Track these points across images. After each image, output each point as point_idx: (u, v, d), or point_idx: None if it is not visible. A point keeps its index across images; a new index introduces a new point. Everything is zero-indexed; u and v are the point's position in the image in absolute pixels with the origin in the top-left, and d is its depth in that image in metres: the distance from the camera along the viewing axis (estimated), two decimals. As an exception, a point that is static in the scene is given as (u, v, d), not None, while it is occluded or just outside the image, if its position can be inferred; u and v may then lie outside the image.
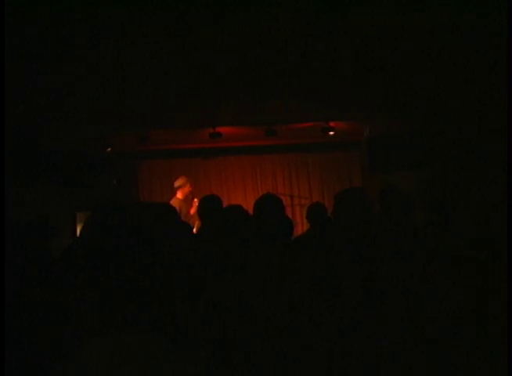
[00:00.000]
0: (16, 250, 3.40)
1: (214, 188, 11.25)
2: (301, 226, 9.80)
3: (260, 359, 3.02)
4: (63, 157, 8.18)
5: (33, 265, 3.20)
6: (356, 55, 5.95)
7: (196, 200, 8.28)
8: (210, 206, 4.97)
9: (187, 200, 8.75)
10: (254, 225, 4.07)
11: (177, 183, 8.89)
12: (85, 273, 1.42)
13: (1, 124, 4.39)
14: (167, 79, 6.58)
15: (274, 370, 3.01)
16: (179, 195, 8.76)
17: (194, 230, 6.32)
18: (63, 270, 3.13)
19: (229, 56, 5.92)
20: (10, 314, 2.82)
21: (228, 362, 2.96)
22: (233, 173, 11.73)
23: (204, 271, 3.51)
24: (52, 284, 3.16)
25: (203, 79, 6.63)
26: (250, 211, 4.24)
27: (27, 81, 5.90)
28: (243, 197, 11.15)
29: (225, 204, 5.05)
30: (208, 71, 6.35)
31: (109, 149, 9.53)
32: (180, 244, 1.66)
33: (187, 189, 8.81)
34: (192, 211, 8.43)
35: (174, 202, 8.36)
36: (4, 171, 3.54)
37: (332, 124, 9.44)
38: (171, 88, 6.92)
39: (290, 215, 10.36)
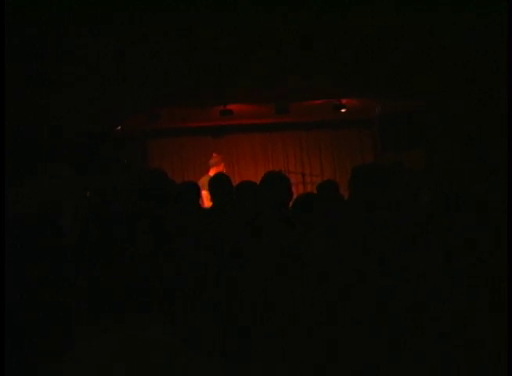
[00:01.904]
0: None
1: (225, 166, 11.18)
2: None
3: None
4: (75, 137, 8.15)
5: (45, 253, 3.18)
6: (367, 32, 5.88)
7: None
8: (219, 185, 4.93)
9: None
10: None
11: (211, 161, 8.81)
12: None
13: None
14: (178, 56, 6.52)
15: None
16: (211, 173, 8.62)
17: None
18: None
19: (241, 33, 5.85)
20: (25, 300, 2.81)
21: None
22: (244, 151, 11.65)
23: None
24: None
25: (214, 56, 6.56)
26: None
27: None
28: (254, 176, 11.08)
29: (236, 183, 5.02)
30: (219, 48, 6.28)
31: (119, 127, 9.48)
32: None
33: (220, 168, 8.72)
34: None
35: (203, 180, 8.28)
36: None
37: (343, 101, 9.37)
38: (181, 66, 6.86)
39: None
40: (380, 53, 6.69)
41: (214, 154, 8.92)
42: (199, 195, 5.27)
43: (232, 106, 9.16)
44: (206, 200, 7.98)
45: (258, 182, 4.49)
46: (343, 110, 9.44)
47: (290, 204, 4.13)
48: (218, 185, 4.86)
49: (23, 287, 2.76)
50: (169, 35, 5.77)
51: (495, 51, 4.93)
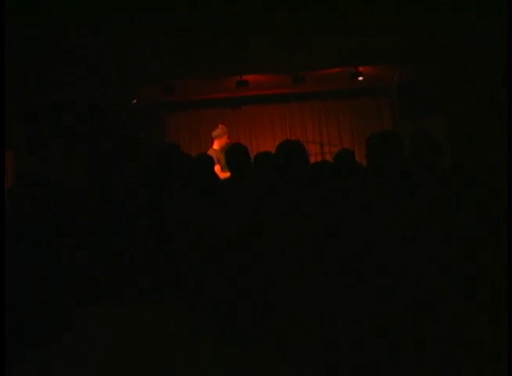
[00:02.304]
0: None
1: (243, 138, 11.13)
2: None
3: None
4: (90, 110, 8.11)
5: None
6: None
7: None
8: (237, 156, 4.87)
9: (224, 150, 8.61)
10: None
11: (215, 133, 8.69)
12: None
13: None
14: (191, 27, 6.45)
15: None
16: (216, 145, 8.54)
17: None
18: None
19: (253, 2, 5.77)
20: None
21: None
22: (262, 122, 11.57)
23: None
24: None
25: (228, 26, 6.49)
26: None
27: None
28: (273, 147, 11.00)
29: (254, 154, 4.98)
30: (233, 18, 6.20)
31: (134, 101, 9.43)
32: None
33: (224, 139, 8.61)
34: None
35: (212, 153, 8.23)
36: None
37: (361, 69, 9.25)
38: (195, 36, 6.79)
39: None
40: (397, 19, 6.56)
41: (220, 125, 8.80)
42: (213, 167, 5.24)
43: (247, 77, 9.08)
44: (218, 173, 7.96)
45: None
46: (360, 78, 9.32)
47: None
48: (236, 155, 4.82)
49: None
50: (181, 5, 5.70)
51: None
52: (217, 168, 7.99)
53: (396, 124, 10.65)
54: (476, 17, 4.51)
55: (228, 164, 4.95)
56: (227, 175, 8.05)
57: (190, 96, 10.28)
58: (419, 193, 3.33)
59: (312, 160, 8.45)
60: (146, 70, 7.91)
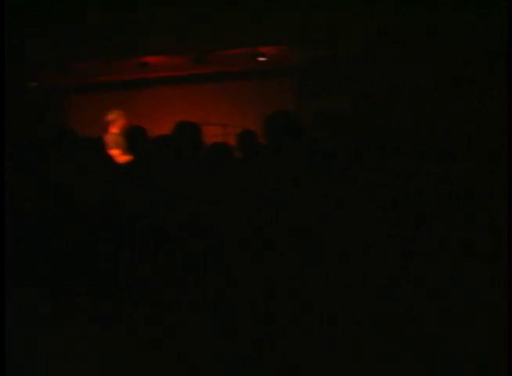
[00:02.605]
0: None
1: (145, 120, 10.94)
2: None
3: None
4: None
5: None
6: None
7: None
8: (134, 138, 4.82)
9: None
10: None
11: (110, 117, 8.48)
12: None
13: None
14: (88, 8, 6.27)
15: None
16: (114, 129, 8.36)
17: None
18: None
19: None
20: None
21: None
22: (164, 104, 11.43)
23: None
24: None
25: (127, 5, 6.35)
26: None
27: None
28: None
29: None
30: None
31: (34, 84, 9.10)
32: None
33: (122, 122, 8.42)
34: None
35: (109, 137, 8.04)
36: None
37: (262, 49, 9.28)
38: (93, 18, 6.61)
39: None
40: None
41: (112, 111, 8.62)
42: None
43: (148, 59, 8.94)
44: (118, 158, 7.82)
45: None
46: (262, 59, 9.36)
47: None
48: (136, 138, 4.75)
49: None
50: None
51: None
52: (115, 152, 7.84)
53: (298, 104, 10.78)
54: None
55: (130, 148, 4.89)
56: (127, 158, 7.94)
57: (90, 78, 10.02)
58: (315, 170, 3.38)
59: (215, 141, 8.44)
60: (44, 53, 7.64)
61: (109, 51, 8.16)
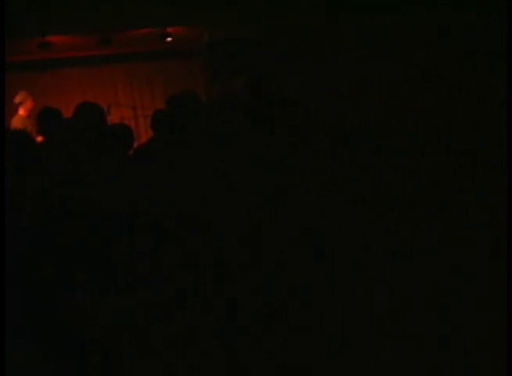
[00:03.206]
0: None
1: (51, 102, 10.63)
2: (145, 138, 9.59)
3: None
4: None
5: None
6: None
7: None
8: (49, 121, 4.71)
9: (32, 117, 8.15)
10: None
11: (17, 99, 8.19)
12: None
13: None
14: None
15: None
16: (22, 112, 8.09)
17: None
18: None
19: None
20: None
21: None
22: (70, 86, 11.12)
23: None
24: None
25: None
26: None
27: None
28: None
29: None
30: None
31: None
32: None
33: (29, 104, 8.15)
34: None
35: (17, 121, 7.78)
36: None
37: (169, 29, 9.17)
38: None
39: (133, 127, 10.17)
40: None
41: (21, 91, 8.36)
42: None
43: (51, 38, 8.66)
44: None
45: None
46: (168, 39, 9.26)
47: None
48: (49, 119, 4.66)
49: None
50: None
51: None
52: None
53: (207, 85, 10.74)
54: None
55: (41, 130, 4.77)
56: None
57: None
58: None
59: (126, 123, 8.30)
60: None
61: (6, 28, 7.84)
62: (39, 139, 7.38)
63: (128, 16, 8.03)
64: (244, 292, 3.01)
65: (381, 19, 5.36)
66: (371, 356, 3.04)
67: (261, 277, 3.02)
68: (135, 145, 4.61)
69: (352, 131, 3.71)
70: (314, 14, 6.71)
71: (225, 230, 3.07)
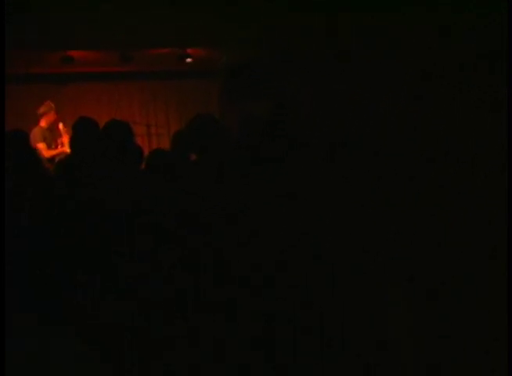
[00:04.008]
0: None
1: (69, 116, 10.77)
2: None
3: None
4: None
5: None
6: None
7: (61, 125, 7.95)
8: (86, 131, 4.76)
9: (52, 128, 8.28)
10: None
11: (41, 110, 8.32)
12: None
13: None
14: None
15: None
16: (43, 123, 8.21)
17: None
18: None
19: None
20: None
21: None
22: (88, 101, 11.27)
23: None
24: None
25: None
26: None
27: None
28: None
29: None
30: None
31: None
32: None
33: (52, 116, 8.29)
34: (65, 139, 7.96)
35: (37, 131, 7.90)
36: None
37: (189, 50, 9.31)
38: (17, 5, 6.47)
39: (147, 144, 10.28)
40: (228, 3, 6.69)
41: (46, 102, 8.50)
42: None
43: (73, 53, 8.81)
44: (44, 152, 7.70)
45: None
46: (188, 60, 9.39)
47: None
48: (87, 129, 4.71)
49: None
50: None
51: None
52: (41, 146, 7.73)
53: (223, 107, 10.85)
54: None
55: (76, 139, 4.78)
56: (53, 153, 7.83)
57: (12, 70, 9.77)
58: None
59: (139, 141, 8.41)
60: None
61: (34, 41, 8.00)
62: (51, 152, 7.56)
63: (150, 35, 8.17)
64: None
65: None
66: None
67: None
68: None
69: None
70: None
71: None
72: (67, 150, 6.98)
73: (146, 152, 4.58)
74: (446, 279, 3.14)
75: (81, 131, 4.69)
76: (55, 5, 6.51)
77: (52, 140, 8.09)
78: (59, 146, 8.00)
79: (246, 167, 3.61)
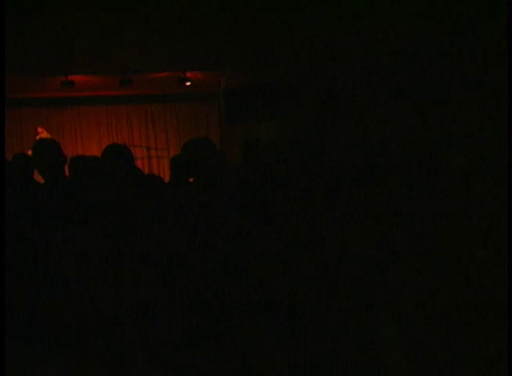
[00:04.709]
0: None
1: (68, 140, 10.88)
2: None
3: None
4: None
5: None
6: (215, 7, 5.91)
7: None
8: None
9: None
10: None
11: (38, 137, 8.45)
12: None
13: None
14: (15, 21, 6.20)
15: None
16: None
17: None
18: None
19: (82, 2, 5.68)
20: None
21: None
22: (88, 124, 11.36)
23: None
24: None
25: (55, 23, 6.31)
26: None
27: None
28: (99, 149, 10.83)
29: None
30: (60, 16, 6.05)
31: None
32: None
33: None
34: None
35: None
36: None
37: (189, 74, 9.37)
38: (18, 31, 6.53)
39: (146, 167, 10.32)
40: (227, 27, 6.74)
41: (39, 129, 8.61)
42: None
43: (74, 77, 8.88)
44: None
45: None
46: (188, 84, 9.46)
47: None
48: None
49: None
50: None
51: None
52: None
53: (224, 130, 10.91)
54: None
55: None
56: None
57: (12, 94, 9.84)
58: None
59: (139, 164, 8.44)
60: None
61: (34, 67, 8.06)
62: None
63: (150, 59, 8.23)
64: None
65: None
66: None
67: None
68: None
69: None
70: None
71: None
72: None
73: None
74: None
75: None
76: (55, 31, 6.56)
77: None
78: None
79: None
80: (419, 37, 5.58)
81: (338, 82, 7.07)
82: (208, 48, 7.71)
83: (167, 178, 6.68)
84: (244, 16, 6.30)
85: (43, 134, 8.60)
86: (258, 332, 3.08)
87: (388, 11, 5.57)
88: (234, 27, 6.72)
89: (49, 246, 3.14)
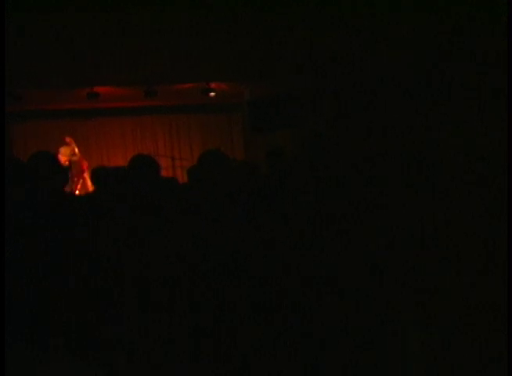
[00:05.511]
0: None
1: (94, 150, 10.97)
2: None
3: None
4: None
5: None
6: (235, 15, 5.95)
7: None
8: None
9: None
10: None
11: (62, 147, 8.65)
12: None
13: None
14: (41, 34, 6.28)
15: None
16: (63, 158, 8.47)
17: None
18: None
19: (106, 14, 5.74)
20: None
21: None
22: (113, 135, 11.44)
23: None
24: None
25: (80, 36, 6.38)
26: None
27: None
28: (124, 160, 10.92)
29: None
30: (85, 28, 6.12)
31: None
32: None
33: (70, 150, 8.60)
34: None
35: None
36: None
37: (213, 85, 9.41)
38: (45, 45, 6.61)
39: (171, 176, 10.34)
40: (250, 38, 6.77)
41: (68, 139, 8.75)
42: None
43: (99, 89, 8.96)
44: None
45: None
46: (212, 94, 9.49)
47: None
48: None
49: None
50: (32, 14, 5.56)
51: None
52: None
53: (247, 140, 10.94)
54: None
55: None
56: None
57: (39, 106, 9.96)
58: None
59: (164, 174, 8.48)
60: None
61: (60, 79, 8.14)
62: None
63: (174, 70, 8.28)
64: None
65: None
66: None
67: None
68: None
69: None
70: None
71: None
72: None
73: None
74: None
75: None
76: (82, 43, 6.64)
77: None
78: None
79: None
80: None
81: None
82: (232, 59, 7.74)
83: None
84: (269, 28, 6.33)
85: (71, 144, 8.69)
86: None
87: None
88: (258, 38, 6.75)
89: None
